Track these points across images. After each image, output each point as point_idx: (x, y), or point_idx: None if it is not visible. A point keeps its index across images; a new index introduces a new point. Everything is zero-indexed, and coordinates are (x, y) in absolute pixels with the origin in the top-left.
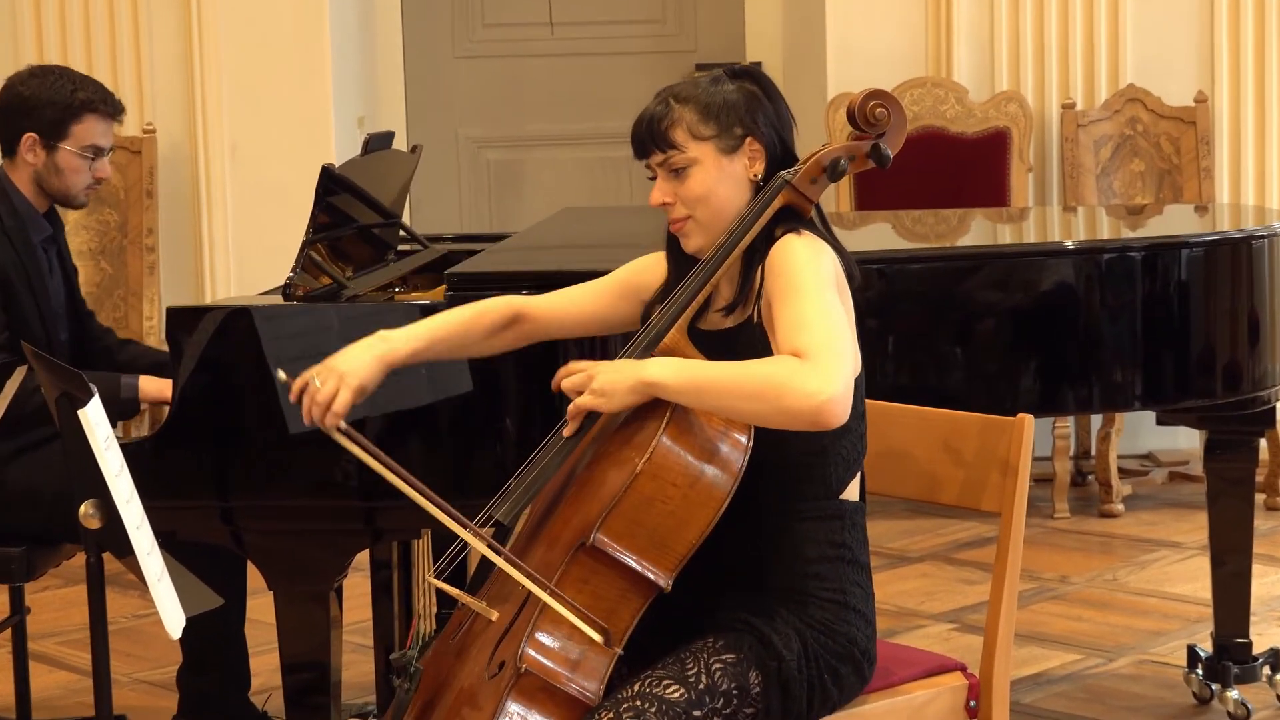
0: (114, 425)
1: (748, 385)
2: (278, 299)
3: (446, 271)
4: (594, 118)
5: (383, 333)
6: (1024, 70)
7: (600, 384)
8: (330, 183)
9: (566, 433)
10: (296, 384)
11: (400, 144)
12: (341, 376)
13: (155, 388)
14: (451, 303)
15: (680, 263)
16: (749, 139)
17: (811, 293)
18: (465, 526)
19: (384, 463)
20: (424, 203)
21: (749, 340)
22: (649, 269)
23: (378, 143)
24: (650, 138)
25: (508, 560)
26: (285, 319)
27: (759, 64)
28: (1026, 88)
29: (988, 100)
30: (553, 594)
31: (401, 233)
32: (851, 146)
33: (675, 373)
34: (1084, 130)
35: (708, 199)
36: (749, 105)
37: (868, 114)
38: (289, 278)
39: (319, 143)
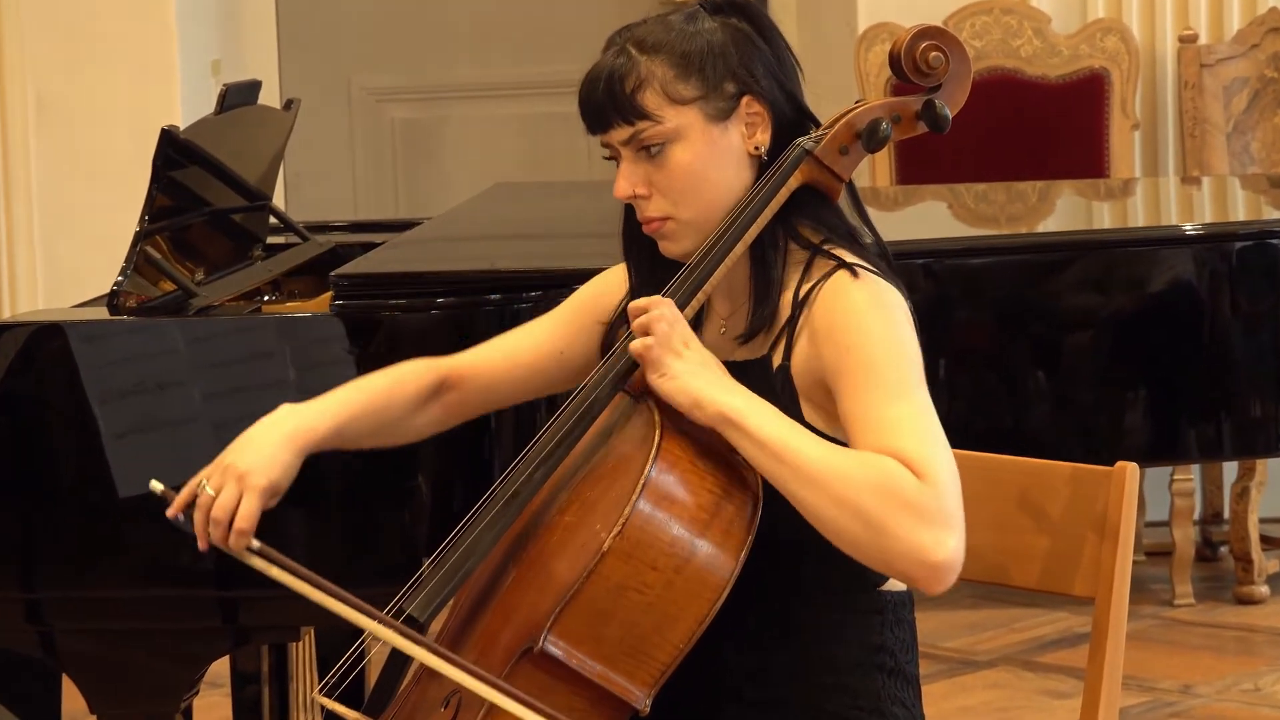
0: None
1: (846, 486)
2: (102, 311)
3: (333, 273)
4: (536, 59)
5: (288, 406)
6: None
7: (678, 365)
8: (173, 152)
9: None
10: (180, 497)
11: (270, 98)
12: (242, 477)
13: None
14: (340, 315)
15: (646, 268)
16: (746, 97)
17: (904, 390)
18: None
19: (324, 589)
20: (304, 178)
21: (766, 386)
22: (615, 287)
23: (239, 96)
24: (612, 105)
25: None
26: (112, 339)
27: None
28: (1130, 14)
29: (1077, 32)
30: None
31: (272, 220)
32: (896, 104)
33: (762, 417)
34: (1209, 72)
35: (697, 187)
36: (741, 51)
37: (918, 60)
38: (117, 282)
39: (158, 96)
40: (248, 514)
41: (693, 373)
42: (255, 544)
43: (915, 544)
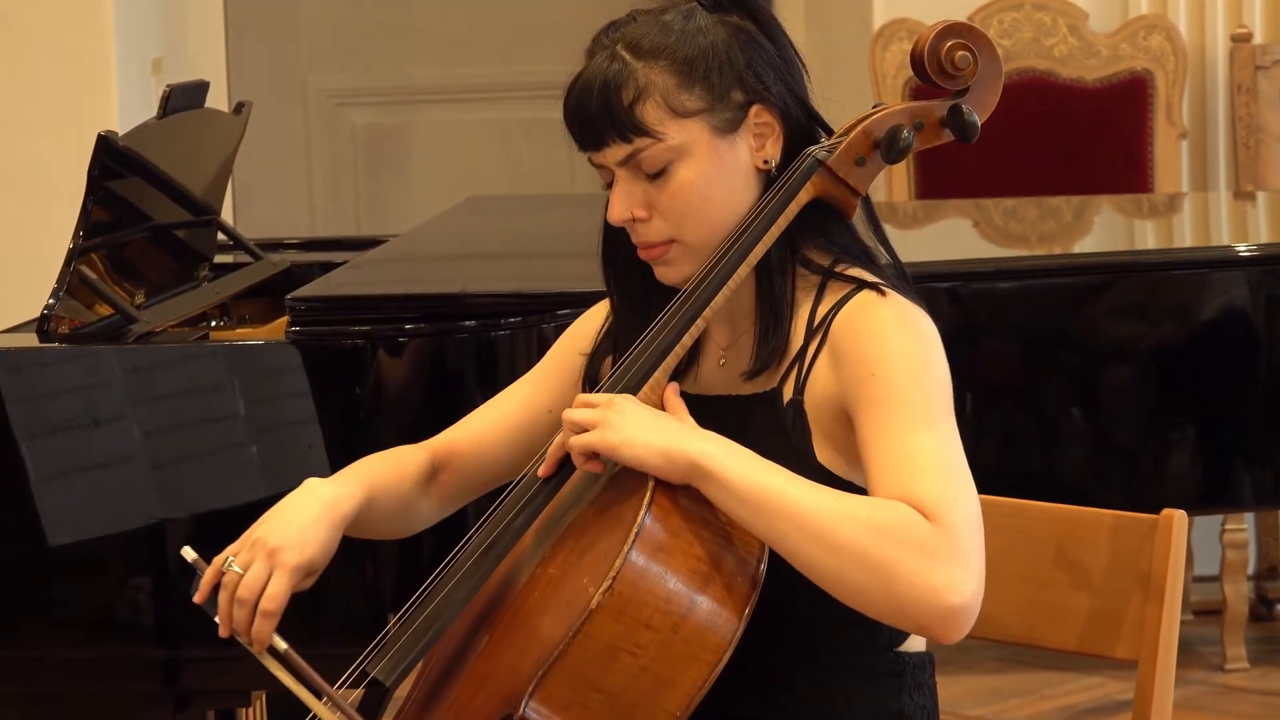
0: None
1: (844, 530)
2: (31, 338)
3: (288, 296)
4: (513, 59)
5: (312, 479)
6: None
7: (621, 422)
8: (111, 160)
9: (542, 472)
10: (205, 579)
11: (218, 100)
12: (273, 553)
13: None
14: (297, 343)
15: (633, 294)
16: (755, 106)
17: (929, 419)
18: None
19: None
20: (256, 190)
21: (775, 423)
22: (594, 319)
23: (183, 98)
24: (607, 120)
25: None
26: (42, 368)
27: None
28: (1177, 10)
29: (1118, 30)
30: None
31: (221, 236)
32: (918, 109)
33: (741, 464)
34: (1265, 75)
35: (701, 208)
36: (747, 53)
37: (944, 60)
38: (48, 305)
39: (93, 98)
40: (276, 594)
41: (644, 425)
42: (282, 644)
43: (928, 585)
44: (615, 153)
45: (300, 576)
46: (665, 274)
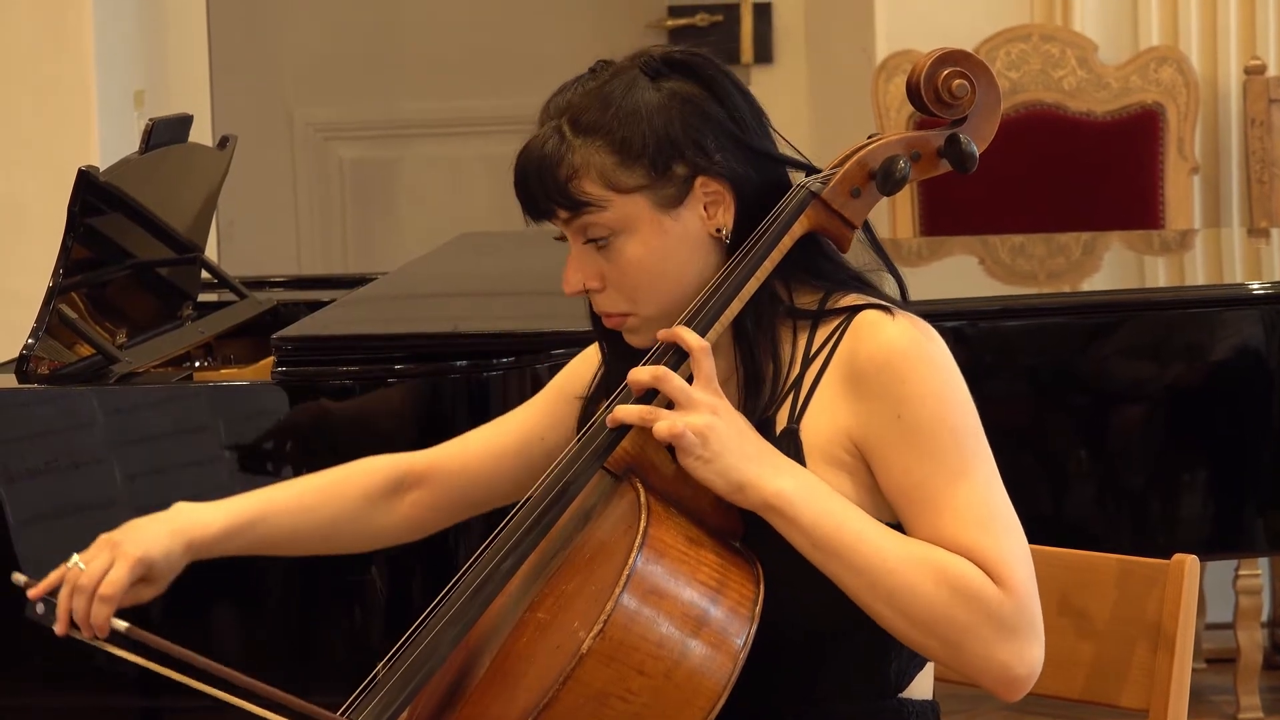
0: None
1: (915, 599)
2: (10, 378)
3: (274, 336)
4: (505, 91)
5: (181, 504)
6: (1185, 16)
7: (719, 435)
8: (92, 196)
9: (609, 422)
10: (48, 579)
11: (202, 134)
12: (116, 544)
13: None
14: (283, 384)
15: (621, 343)
16: (700, 179)
17: (963, 464)
18: None
19: (202, 673)
20: (241, 226)
21: None
22: (591, 361)
23: (166, 133)
24: (542, 190)
25: None
26: (20, 410)
27: (768, 3)
28: (1189, 42)
29: (1128, 62)
30: None
31: (205, 274)
32: (915, 139)
33: (813, 510)
34: (1279, 108)
35: (652, 283)
36: (689, 126)
37: (940, 89)
38: (27, 345)
39: (73, 132)
40: (114, 580)
41: (734, 450)
42: (122, 625)
43: (995, 661)
44: (562, 216)
45: (141, 570)
46: (632, 340)
